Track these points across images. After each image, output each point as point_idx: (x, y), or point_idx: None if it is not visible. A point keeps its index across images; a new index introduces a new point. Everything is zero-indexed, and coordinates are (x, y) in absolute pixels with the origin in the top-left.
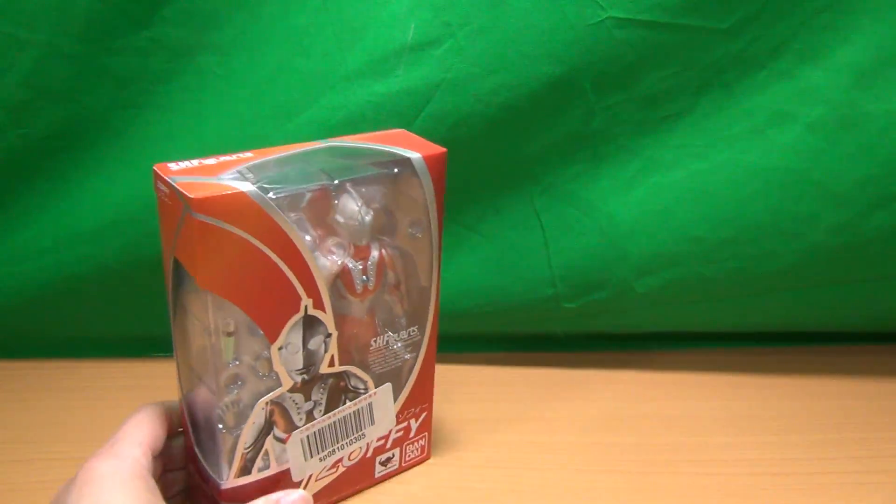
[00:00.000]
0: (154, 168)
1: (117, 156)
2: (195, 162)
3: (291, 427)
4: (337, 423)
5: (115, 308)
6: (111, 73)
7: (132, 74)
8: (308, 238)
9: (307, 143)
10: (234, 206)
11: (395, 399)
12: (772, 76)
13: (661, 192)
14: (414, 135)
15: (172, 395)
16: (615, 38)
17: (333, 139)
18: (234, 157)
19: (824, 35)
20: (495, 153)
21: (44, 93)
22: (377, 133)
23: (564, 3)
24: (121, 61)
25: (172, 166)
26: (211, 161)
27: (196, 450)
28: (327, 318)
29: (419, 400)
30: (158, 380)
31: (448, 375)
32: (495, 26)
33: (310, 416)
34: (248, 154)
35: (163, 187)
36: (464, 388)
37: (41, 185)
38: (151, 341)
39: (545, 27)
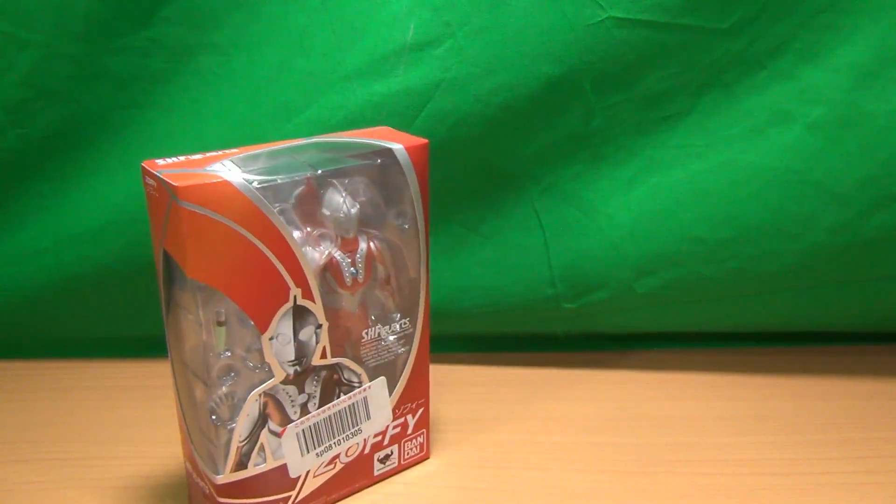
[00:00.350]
0: (142, 165)
1: (117, 156)
2: (182, 158)
3: (286, 420)
4: (332, 417)
5: (114, 308)
6: (111, 73)
7: (132, 74)
8: (294, 229)
9: (292, 140)
10: (219, 194)
11: (391, 393)
12: (772, 76)
13: (661, 193)
14: (396, 130)
15: (171, 394)
16: (615, 38)
17: (317, 136)
18: (220, 153)
19: (824, 35)
20: (495, 153)
21: (43, 93)
22: (360, 130)
23: (564, 3)
24: (121, 61)
25: (160, 162)
26: (197, 157)
27: (192, 446)
28: (317, 308)
29: (415, 395)
30: (158, 380)
31: (448, 375)
32: (495, 26)
33: (304, 410)
34: (234, 150)
35: (150, 181)
36: (463, 388)
37: (40, 186)
38: (151, 341)
39: (545, 27)
